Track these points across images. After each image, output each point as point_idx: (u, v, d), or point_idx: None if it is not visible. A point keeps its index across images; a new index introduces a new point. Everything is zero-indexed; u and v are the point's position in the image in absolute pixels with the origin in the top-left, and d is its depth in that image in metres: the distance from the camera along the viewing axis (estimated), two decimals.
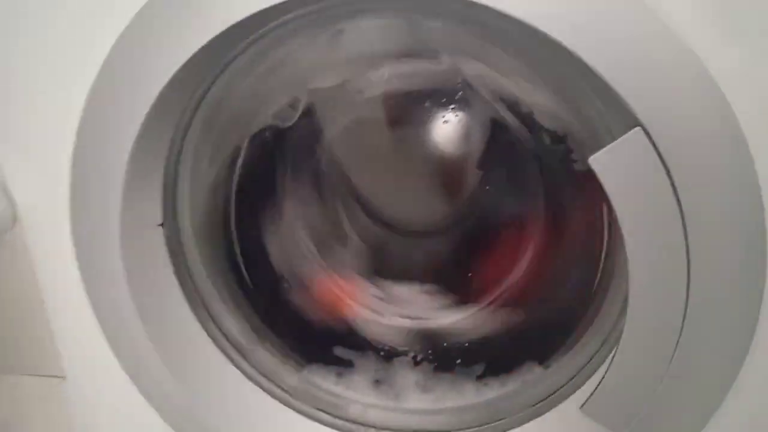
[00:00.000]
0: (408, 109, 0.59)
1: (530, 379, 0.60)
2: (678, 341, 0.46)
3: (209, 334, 0.60)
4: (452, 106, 0.58)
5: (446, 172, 0.63)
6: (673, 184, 0.42)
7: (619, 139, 0.42)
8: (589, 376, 0.54)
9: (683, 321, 0.45)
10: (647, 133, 0.41)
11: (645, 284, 0.45)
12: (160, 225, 0.56)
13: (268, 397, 0.61)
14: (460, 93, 0.57)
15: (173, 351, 0.58)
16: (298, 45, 0.52)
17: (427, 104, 0.58)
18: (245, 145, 0.60)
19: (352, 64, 0.55)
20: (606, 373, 0.49)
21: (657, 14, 0.40)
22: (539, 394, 0.57)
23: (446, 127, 0.59)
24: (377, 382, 0.64)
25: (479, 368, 0.63)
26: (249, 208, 0.65)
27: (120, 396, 0.60)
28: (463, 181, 0.63)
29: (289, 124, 0.58)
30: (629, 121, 0.42)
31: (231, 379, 0.60)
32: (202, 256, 0.60)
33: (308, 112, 0.59)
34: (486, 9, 0.41)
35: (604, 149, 0.43)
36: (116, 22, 0.48)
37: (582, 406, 0.51)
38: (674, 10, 0.40)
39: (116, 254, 0.53)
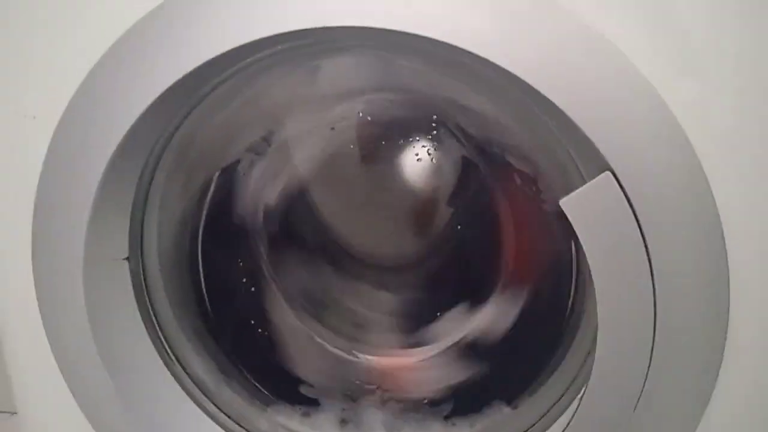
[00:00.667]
0: (381, 146, 0.59)
1: (499, 419, 0.59)
2: (645, 382, 0.47)
3: (173, 374, 0.58)
4: (424, 144, 0.59)
5: (417, 209, 0.64)
6: (640, 227, 0.43)
7: (589, 183, 0.43)
8: (558, 416, 0.54)
9: (650, 361, 0.46)
10: (616, 177, 0.42)
11: (613, 323, 0.45)
12: (125, 259, 0.55)
13: None
14: (433, 132, 0.58)
15: (134, 390, 0.56)
16: (273, 80, 0.52)
17: (400, 141, 0.59)
18: (215, 177, 0.59)
19: (326, 99, 0.56)
20: (575, 413, 0.49)
21: (632, 63, 0.41)
22: None
23: (419, 164, 0.59)
24: (343, 422, 0.63)
25: (447, 408, 0.63)
26: (217, 244, 0.63)
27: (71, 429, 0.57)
28: (434, 217, 0.64)
29: (262, 158, 0.58)
30: (599, 164, 0.43)
31: (194, 419, 0.58)
32: (168, 291, 0.59)
33: (281, 147, 0.59)
34: (460, 51, 0.42)
35: (575, 192, 0.44)
36: (90, 54, 0.47)
37: None
38: (648, 57, 0.41)
39: (78, 287, 0.52)
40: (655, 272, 0.43)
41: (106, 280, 0.54)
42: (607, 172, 0.42)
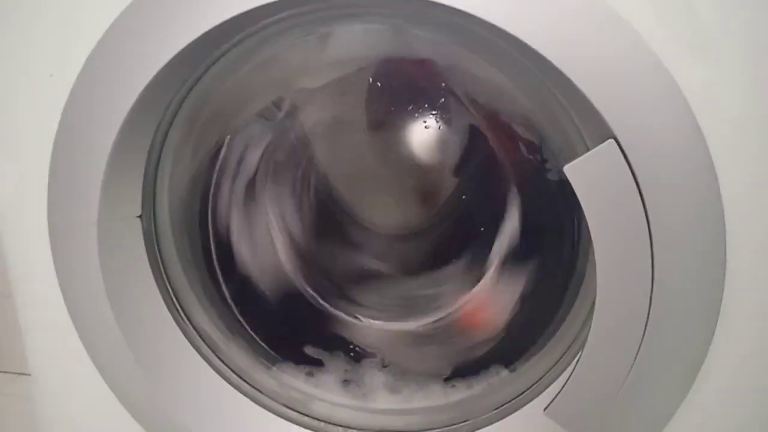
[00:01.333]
0: (390, 113, 0.60)
1: (496, 382, 0.61)
2: (639, 347, 0.48)
3: (181, 329, 0.60)
4: (433, 112, 0.60)
5: (425, 176, 0.65)
6: (641, 193, 0.44)
7: (593, 150, 0.44)
8: (554, 380, 0.55)
9: (645, 328, 0.47)
10: (619, 145, 0.43)
11: (611, 290, 0.46)
12: (138, 217, 0.56)
13: (239, 394, 0.60)
14: (441, 100, 0.58)
15: (145, 345, 0.57)
16: (285, 45, 0.53)
17: (408, 109, 0.60)
18: (227, 140, 0.60)
19: (337, 66, 0.56)
20: (570, 377, 0.51)
21: (638, 33, 0.42)
22: (505, 397, 0.59)
23: (426, 132, 0.60)
24: (346, 382, 0.65)
25: (446, 371, 0.64)
26: (226, 205, 0.65)
27: (88, 391, 0.59)
28: (440, 185, 0.65)
29: (273, 122, 0.59)
30: (603, 132, 0.44)
31: (201, 374, 0.60)
32: (178, 250, 0.60)
33: (292, 111, 0.60)
34: (469, 17, 0.42)
35: (579, 159, 0.45)
36: (103, 18, 0.48)
37: (545, 408, 0.53)
38: (652, 29, 0.42)
39: (93, 244, 0.53)
40: (654, 240, 0.45)
41: (120, 237, 0.55)
42: (611, 140, 0.43)
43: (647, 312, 0.47)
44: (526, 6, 0.42)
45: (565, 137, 0.49)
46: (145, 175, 0.55)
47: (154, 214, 0.58)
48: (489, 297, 0.65)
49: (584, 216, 0.45)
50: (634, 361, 0.48)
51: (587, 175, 0.44)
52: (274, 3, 0.44)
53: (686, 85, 0.43)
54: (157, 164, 0.56)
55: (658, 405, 0.50)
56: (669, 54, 0.42)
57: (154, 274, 0.58)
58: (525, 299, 0.63)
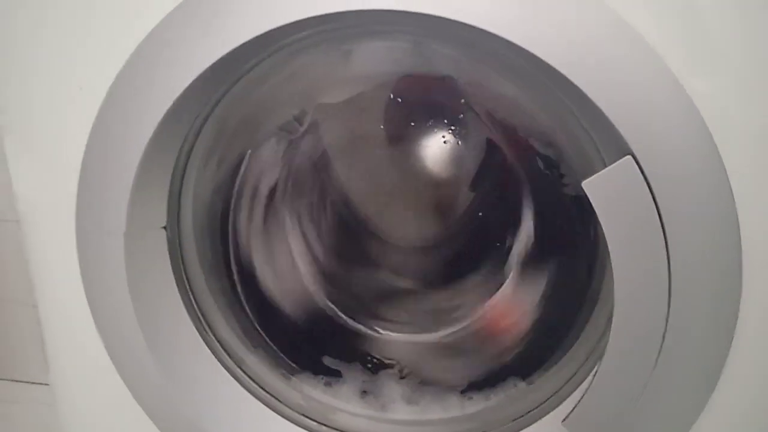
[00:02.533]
0: (409, 129, 0.61)
1: (514, 394, 0.61)
2: (657, 358, 0.48)
3: (203, 338, 0.61)
4: (452, 128, 0.61)
5: (442, 190, 0.66)
6: (658, 208, 0.44)
7: (611, 166, 0.45)
8: (572, 391, 0.56)
9: (663, 339, 0.48)
10: (637, 161, 0.44)
11: (628, 303, 0.47)
12: (163, 227, 0.58)
13: (259, 403, 0.61)
14: (460, 115, 0.59)
15: (168, 354, 0.58)
16: (308, 61, 0.54)
17: (428, 124, 0.61)
18: (249, 153, 0.62)
19: (358, 82, 0.58)
20: (588, 388, 0.51)
21: (655, 50, 0.43)
22: (522, 409, 0.59)
23: (445, 147, 0.61)
24: (364, 393, 0.66)
25: (464, 383, 0.65)
26: (247, 217, 0.66)
27: (109, 397, 0.60)
28: (457, 199, 0.66)
29: (294, 136, 0.60)
30: (620, 149, 0.44)
31: (223, 383, 0.61)
32: (201, 261, 0.61)
33: (313, 126, 0.61)
34: (489, 36, 0.43)
35: (597, 175, 0.45)
36: (139, 28, 0.49)
37: (564, 420, 0.53)
38: (670, 46, 0.43)
39: (119, 254, 0.54)
40: (671, 255, 0.45)
41: (145, 247, 0.56)
42: (629, 156, 0.44)
43: (665, 325, 0.47)
44: (544, 24, 0.43)
45: (583, 153, 0.50)
46: (171, 186, 0.56)
47: (179, 225, 0.59)
48: (504, 310, 0.66)
49: (601, 231, 0.46)
50: (652, 373, 0.49)
51: (605, 190, 0.45)
52: (299, 21, 0.45)
53: (702, 102, 0.43)
54: (183, 176, 0.57)
55: (676, 416, 0.51)
56: (685, 71, 0.43)
57: (177, 284, 0.59)
58: (541, 311, 0.63)
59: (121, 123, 0.51)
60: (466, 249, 0.68)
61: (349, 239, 0.70)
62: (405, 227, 0.69)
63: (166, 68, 0.49)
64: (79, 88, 0.53)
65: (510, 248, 0.65)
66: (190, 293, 0.61)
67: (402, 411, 0.64)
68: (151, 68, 0.49)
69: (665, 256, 0.45)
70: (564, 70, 0.43)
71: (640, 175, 0.44)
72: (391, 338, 0.70)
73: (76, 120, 0.53)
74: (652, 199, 0.44)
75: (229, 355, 0.62)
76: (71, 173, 0.54)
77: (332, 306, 0.70)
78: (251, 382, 0.63)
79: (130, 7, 0.50)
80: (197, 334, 0.61)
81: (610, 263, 0.46)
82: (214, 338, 0.62)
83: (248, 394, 0.61)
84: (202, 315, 0.62)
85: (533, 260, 0.64)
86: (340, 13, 0.45)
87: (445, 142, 0.61)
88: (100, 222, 0.54)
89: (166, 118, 0.50)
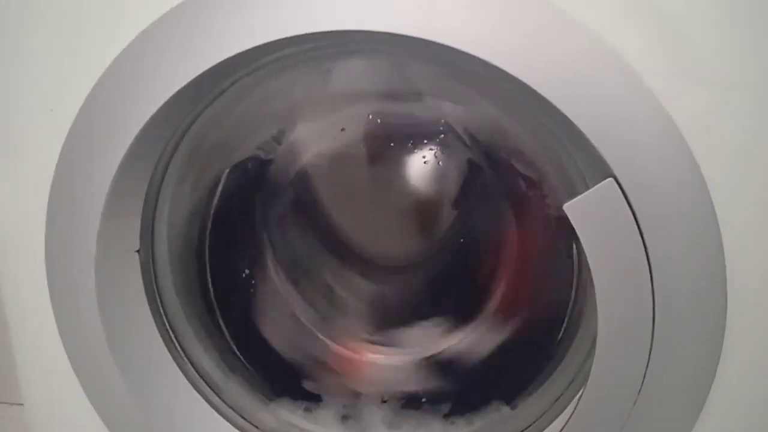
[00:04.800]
0: (389, 148, 0.61)
1: (497, 418, 0.60)
2: (642, 383, 0.48)
3: (178, 365, 0.59)
4: (432, 148, 0.60)
5: (423, 211, 0.65)
6: (640, 231, 0.44)
7: (593, 189, 0.44)
8: (556, 416, 0.55)
9: (647, 363, 0.47)
10: (619, 184, 0.43)
11: (612, 326, 0.46)
12: (136, 251, 0.56)
13: (236, 431, 0.60)
14: (441, 135, 0.59)
15: (141, 380, 0.57)
16: (285, 81, 0.53)
17: (408, 144, 0.60)
18: (225, 174, 0.61)
19: (337, 102, 0.57)
20: (572, 413, 0.50)
21: (636, 73, 0.43)
22: None
23: (425, 167, 0.61)
24: (345, 418, 0.64)
25: (446, 407, 0.64)
26: (224, 239, 0.65)
27: (82, 425, 0.58)
28: (439, 220, 0.65)
29: (271, 156, 0.59)
30: (602, 171, 0.44)
31: (199, 411, 0.59)
32: (176, 284, 0.60)
33: (291, 146, 0.60)
34: (469, 57, 0.43)
35: (579, 197, 0.45)
36: (108, 52, 0.48)
37: None
38: (651, 68, 0.43)
39: (90, 278, 0.52)
40: (654, 277, 0.45)
41: (117, 272, 0.55)
42: (611, 179, 0.43)
43: (649, 348, 0.47)
44: (525, 45, 0.43)
45: (565, 175, 0.49)
46: (144, 209, 0.55)
47: (153, 249, 0.58)
48: (487, 332, 0.65)
49: (583, 253, 0.45)
50: (637, 397, 0.48)
51: (587, 213, 0.45)
52: (275, 42, 0.45)
53: (683, 122, 0.43)
54: (156, 199, 0.56)
55: None
56: (666, 92, 0.43)
57: (151, 308, 0.58)
58: (524, 334, 0.62)
59: (91, 145, 0.50)
60: (448, 270, 0.68)
61: (328, 259, 0.69)
62: (387, 247, 0.68)
63: (137, 89, 0.48)
64: (50, 110, 0.51)
65: (492, 270, 0.64)
66: (164, 318, 0.60)
67: None
68: (123, 89, 0.48)
69: (648, 278, 0.45)
70: (544, 92, 0.43)
71: (622, 197, 0.44)
72: (371, 360, 0.69)
73: (46, 141, 0.51)
74: (634, 221, 0.44)
75: (206, 382, 0.61)
76: (41, 195, 0.53)
77: (310, 326, 0.68)
78: (228, 408, 0.61)
79: (102, 26, 0.49)
80: (171, 359, 0.59)
81: (593, 285, 0.46)
82: (190, 364, 0.61)
83: (225, 421, 0.60)
84: (177, 340, 0.60)
85: (515, 283, 0.63)
86: (319, 34, 0.45)
87: (425, 162, 0.60)
88: (70, 245, 0.53)
89: (138, 139, 0.48)
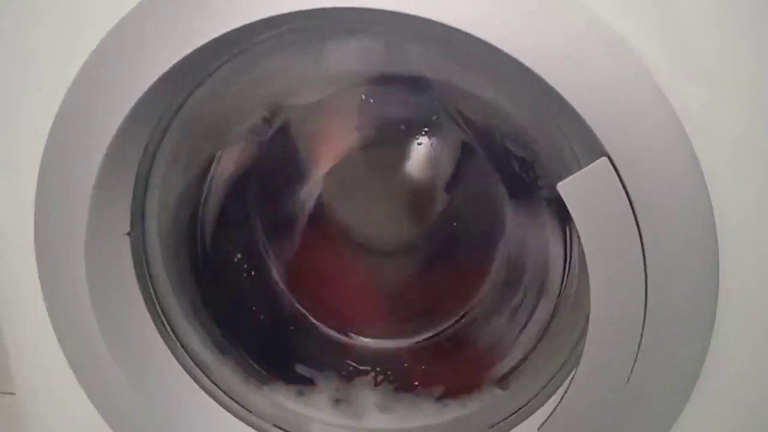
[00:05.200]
0: (383, 130, 0.60)
1: (490, 400, 0.61)
2: (634, 364, 0.48)
3: (170, 349, 0.59)
4: (426, 129, 0.60)
5: (417, 194, 0.65)
6: (634, 211, 0.44)
7: (586, 168, 0.44)
8: (548, 397, 0.55)
9: (640, 343, 0.47)
10: (612, 163, 0.43)
11: (605, 306, 0.46)
12: (127, 234, 0.56)
13: (229, 415, 0.60)
14: (434, 117, 0.59)
15: (133, 365, 0.56)
16: (278, 61, 0.52)
17: (401, 125, 0.60)
18: (218, 156, 0.60)
19: (330, 83, 0.56)
20: (564, 394, 0.50)
21: (632, 52, 0.42)
22: (499, 415, 0.58)
23: (419, 149, 0.60)
24: (338, 401, 0.64)
25: (439, 390, 0.64)
26: (216, 221, 0.64)
27: (74, 411, 0.58)
28: (433, 202, 0.65)
29: (264, 138, 0.59)
30: (596, 151, 0.44)
31: (192, 395, 0.59)
32: (167, 268, 0.59)
33: (284, 129, 0.60)
34: (462, 35, 0.42)
35: (572, 177, 0.45)
36: (94, 32, 0.48)
37: (540, 427, 0.52)
38: (647, 48, 0.43)
39: (80, 260, 0.52)
40: (647, 257, 0.45)
41: (108, 254, 0.54)
42: (604, 158, 0.43)
43: (641, 329, 0.47)
44: (520, 24, 0.43)
45: (559, 155, 0.49)
46: (134, 192, 0.54)
47: (144, 232, 0.57)
48: (479, 315, 0.65)
49: (576, 233, 0.45)
50: (629, 377, 0.48)
51: (580, 192, 0.44)
52: (267, 19, 0.44)
53: (679, 103, 0.43)
54: (147, 181, 0.56)
55: (653, 421, 0.50)
56: (662, 72, 0.43)
57: (142, 292, 0.58)
58: (517, 316, 0.63)
59: (80, 126, 0.49)
60: (442, 254, 0.68)
61: (321, 243, 0.68)
62: (379, 230, 0.68)
63: (126, 69, 0.47)
64: (38, 90, 0.51)
65: (486, 253, 0.64)
66: (156, 302, 0.59)
67: (376, 419, 0.63)
68: (111, 69, 0.47)
69: (641, 258, 0.45)
70: (539, 71, 0.42)
71: (616, 176, 0.43)
72: (365, 344, 0.69)
73: (33, 123, 0.51)
74: (627, 201, 0.44)
75: (198, 365, 0.61)
76: (30, 178, 0.52)
77: (303, 310, 0.68)
78: (221, 392, 0.61)
79: (90, 6, 0.48)
80: (164, 344, 0.59)
81: (586, 266, 0.46)
82: (182, 348, 0.60)
83: (217, 405, 0.60)
84: (169, 324, 0.60)
85: (509, 264, 0.63)
86: (311, 11, 0.44)
87: (419, 144, 0.60)
88: (60, 229, 0.52)
89: (127, 121, 0.48)
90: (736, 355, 0.48)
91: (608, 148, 0.43)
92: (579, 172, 0.44)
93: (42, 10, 0.49)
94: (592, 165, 0.44)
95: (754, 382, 0.49)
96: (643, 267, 0.45)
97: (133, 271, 0.57)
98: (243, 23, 0.44)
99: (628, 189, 0.44)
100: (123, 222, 0.55)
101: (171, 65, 0.46)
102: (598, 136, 0.43)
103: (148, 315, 0.58)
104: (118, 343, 0.55)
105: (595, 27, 0.42)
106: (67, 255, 0.53)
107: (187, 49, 0.45)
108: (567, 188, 0.45)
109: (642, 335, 0.47)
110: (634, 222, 0.44)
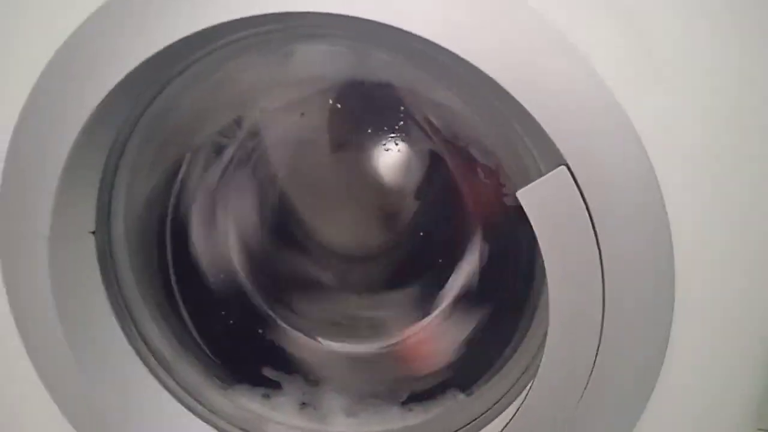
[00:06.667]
0: (350, 135, 0.61)
1: (453, 405, 0.61)
2: (590, 375, 0.48)
3: (133, 346, 0.59)
4: (392, 135, 0.60)
5: (384, 199, 0.65)
6: (591, 219, 0.44)
7: (546, 176, 0.45)
8: (510, 402, 0.55)
9: (597, 352, 0.48)
10: (571, 172, 0.44)
11: (563, 312, 0.47)
12: (92, 233, 0.55)
13: (190, 414, 0.59)
14: (400, 123, 0.59)
15: (96, 364, 0.56)
16: (246, 64, 0.53)
17: (369, 131, 0.60)
18: (186, 159, 0.60)
19: (298, 87, 0.57)
20: (525, 399, 0.51)
21: (590, 63, 0.43)
22: (462, 420, 0.58)
23: (387, 155, 0.61)
24: (303, 405, 0.64)
25: (404, 394, 0.64)
26: (185, 224, 0.64)
27: (36, 410, 0.58)
28: (400, 208, 0.65)
29: (233, 142, 0.59)
30: (556, 159, 0.44)
31: (154, 394, 0.59)
32: (133, 266, 0.59)
33: (252, 131, 0.60)
34: (426, 42, 0.43)
35: (531, 184, 0.45)
36: (62, 30, 0.48)
37: (501, 431, 0.53)
38: (605, 59, 0.43)
39: (43, 259, 0.52)
40: (604, 264, 0.45)
41: (72, 253, 0.54)
42: (563, 167, 0.44)
43: (599, 338, 0.47)
44: (481, 33, 0.43)
45: (521, 163, 0.50)
46: (100, 190, 0.54)
47: (109, 231, 0.57)
48: (445, 322, 0.65)
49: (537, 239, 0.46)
50: (586, 387, 0.49)
51: (540, 199, 0.45)
52: (233, 22, 0.44)
53: (634, 113, 0.44)
54: (113, 181, 0.55)
55: (614, 423, 0.51)
56: (618, 82, 0.43)
57: (107, 291, 0.57)
58: (480, 323, 0.63)
59: (44, 123, 0.49)
60: (408, 260, 0.68)
61: (289, 245, 0.68)
62: (346, 234, 0.68)
63: (92, 67, 0.47)
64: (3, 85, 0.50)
65: (451, 261, 0.65)
66: (121, 301, 0.59)
67: (342, 423, 0.63)
68: (77, 68, 0.48)
69: (599, 265, 0.46)
70: (500, 80, 0.43)
71: (574, 184, 0.44)
72: (331, 348, 0.69)
73: None
74: (585, 208, 0.45)
75: (162, 365, 0.60)
76: None
77: (271, 313, 0.68)
78: (185, 393, 0.61)
79: (53, 6, 0.48)
80: (128, 342, 0.58)
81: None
82: (147, 348, 0.60)
83: (181, 406, 0.60)
84: (134, 323, 0.60)
85: (473, 272, 0.64)
86: (279, 15, 0.44)
87: (386, 149, 0.60)
88: (24, 226, 0.52)
89: (92, 120, 0.48)
90: (693, 358, 0.49)
91: (567, 157, 0.44)
92: (538, 180, 0.45)
93: (5, 9, 0.49)
94: (550, 173, 0.45)
95: (711, 379, 0.50)
96: (600, 272, 0.46)
97: (98, 269, 0.57)
98: (207, 25, 0.44)
99: (586, 196, 0.44)
100: (88, 220, 0.55)
101: (137, 64, 0.46)
102: (557, 145, 0.44)
103: (112, 313, 0.58)
104: (80, 340, 0.55)
105: (554, 37, 0.43)
106: (31, 252, 0.52)
107: (152, 50, 0.45)
108: (527, 195, 0.46)
109: (599, 342, 0.48)
110: (592, 228, 0.45)
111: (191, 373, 0.62)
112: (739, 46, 0.44)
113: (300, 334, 0.69)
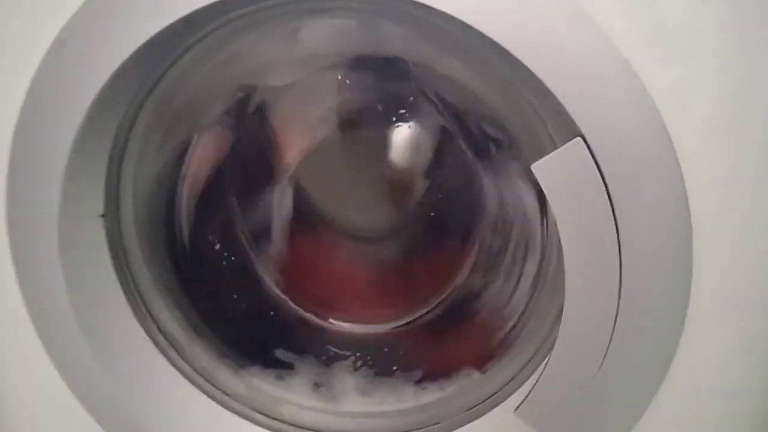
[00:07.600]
0: (359, 112, 0.60)
1: (468, 383, 0.61)
2: (608, 347, 0.48)
3: (145, 329, 0.58)
4: (403, 111, 0.59)
5: (395, 177, 0.64)
6: (608, 191, 0.44)
7: (560, 148, 0.44)
8: (524, 381, 0.55)
9: (614, 327, 0.47)
10: (587, 143, 0.43)
11: (579, 287, 0.46)
12: (101, 216, 0.55)
13: (203, 396, 0.59)
14: (411, 98, 0.58)
15: (108, 347, 0.56)
16: (253, 40, 0.52)
17: (379, 107, 0.60)
18: (195, 139, 0.59)
19: (306, 63, 0.56)
20: (539, 378, 0.51)
21: (606, 34, 0.42)
22: (476, 398, 0.58)
23: (397, 131, 0.60)
24: (317, 385, 0.64)
25: (418, 373, 0.64)
26: (194, 205, 0.64)
27: (48, 392, 0.58)
28: (411, 187, 0.65)
29: (240, 121, 0.58)
30: (571, 131, 0.44)
31: (165, 375, 0.59)
32: (143, 250, 0.59)
33: (260, 111, 0.59)
34: (438, 14, 0.42)
35: (546, 157, 0.44)
36: (66, 8, 0.47)
37: (516, 409, 0.53)
38: (621, 29, 0.42)
39: (53, 243, 0.51)
40: (621, 236, 0.45)
41: (82, 236, 0.54)
42: (578, 138, 0.43)
43: (615, 311, 0.47)
44: (495, 3, 0.42)
45: (534, 136, 0.49)
46: (108, 173, 0.54)
47: (118, 214, 0.57)
48: (458, 300, 0.65)
49: (552, 215, 0.45)
50: (603, 360, 0.48)
51: (554, 173, 0.44)
52: None
53: (652, 84, 0.43)
54: (121, 162, 0.55)
55: (626, 405, 0.50)
56: (636, 53, 0.42)
57: (117, 274, 0.57)
58: (496, 300, 0.63)
59: (50, 106, 0.48)
60: (421, 239, 0.67)
61: (299, 226, 0.68)
62: (358, 215, 0.68)
63: (97, 47, 0.46)
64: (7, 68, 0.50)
65: (466, 237, 0.64)
66: (131, 284, 0.58)
67: (355, 403, 0.63)
68: (81, 48, 0.47)
69: (615, 239, 0.45)
70: (515, 51, 0.42)
71: (590, 156, 0.43)
72: (346, 329, 0.69)
73: (3, 103, 0.50)
74: (602, 181, 0.44)
75: (174, 347, 0.60)
76: (1, 158, 0.51)
77: (282, 295, 0.68)
78: (197, 375, 0.60)
79: None
80: (139, 324, 0.58)
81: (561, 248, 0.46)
82: (158, 330, 0.60)
83: (191, 386, 0.59)
84: (146, 307, 0.59)
85: (488, 247, 0.63)
86: None
87: (397, 125, 0.60)
88: (32, 212, 0.52)
89: (98, 101, 0.47)
90: (711, 330, 0.48)
91: (583, 129, 0.43)
92: (553, 153, 0.44)
93: None
94: (566, 145, 0.44)
95: (728, 361, 0.49)
96: (617, 247, 0.45)
97: (108, 253, 0.56)
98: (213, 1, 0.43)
99: (602, 168, 0.43)
100: (97, 203, 0.55)
101: (140, 44, 0.45)
102: (573, 116, 0.43)
103: (123, 296, 0.57)
104: (91, 324, 0.54)
105: (569, 6, 0.42)
106: (41, 236, 0.52)
107: (158, 27, 0.44)
108: (541, 169, 0.45)
109: (616, 317, 0.47)
110: (608, 201, 0.44)
111: (203, 354, 0.61)
112: (759, 16, 0.42)
113: (312, 316, 0.69)
